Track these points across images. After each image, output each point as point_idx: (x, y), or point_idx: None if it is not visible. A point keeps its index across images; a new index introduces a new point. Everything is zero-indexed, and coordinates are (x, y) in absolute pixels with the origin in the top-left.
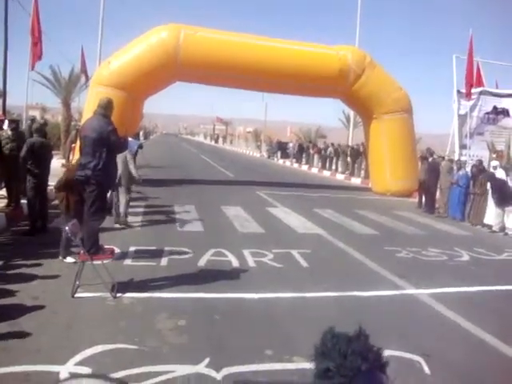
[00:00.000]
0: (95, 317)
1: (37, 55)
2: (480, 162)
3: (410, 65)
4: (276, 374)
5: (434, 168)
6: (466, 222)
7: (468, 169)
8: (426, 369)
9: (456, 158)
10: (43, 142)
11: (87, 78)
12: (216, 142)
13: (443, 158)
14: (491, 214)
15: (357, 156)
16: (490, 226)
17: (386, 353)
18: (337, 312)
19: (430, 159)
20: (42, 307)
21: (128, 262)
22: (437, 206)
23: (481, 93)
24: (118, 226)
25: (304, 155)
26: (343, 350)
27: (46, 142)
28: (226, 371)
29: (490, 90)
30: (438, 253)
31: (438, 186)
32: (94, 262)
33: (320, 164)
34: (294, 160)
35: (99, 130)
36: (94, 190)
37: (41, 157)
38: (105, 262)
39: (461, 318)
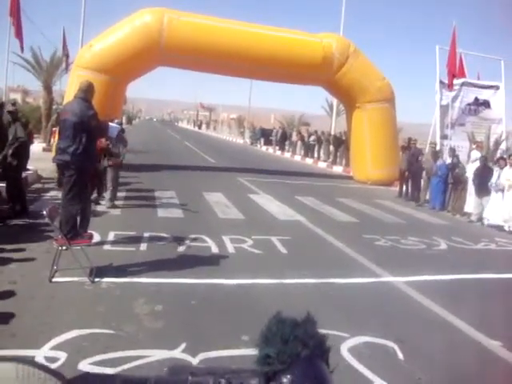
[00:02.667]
0: (72, 301)
1: (16, 36)
2: (456, 156)
3: (393, 54)
4: (251, 359)
5: (417, 157)
6: (446, 211)
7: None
8: (400, 354)
9: (438, 148)
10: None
11: (68, 61)
12: (199, 128)
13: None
14: (471, 203)
15: (339, 144)
16: (470, 215)
17: (362, 339)
18: (314, 298)
19: (430, 149)
20: (19, 292)
21: (107, 246)
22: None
23: (463, 84)
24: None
25: (287, 142)
26: (286, 335)
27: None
28: (202, 356)
29: (472, 81)
30: (417, 241)
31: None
32: (73, 247)
33: (303, 152)
34: (277, 147)
35: (79, 114)
36: (72, 175)
37: None
38: (83, 246)
39: (436, 305)
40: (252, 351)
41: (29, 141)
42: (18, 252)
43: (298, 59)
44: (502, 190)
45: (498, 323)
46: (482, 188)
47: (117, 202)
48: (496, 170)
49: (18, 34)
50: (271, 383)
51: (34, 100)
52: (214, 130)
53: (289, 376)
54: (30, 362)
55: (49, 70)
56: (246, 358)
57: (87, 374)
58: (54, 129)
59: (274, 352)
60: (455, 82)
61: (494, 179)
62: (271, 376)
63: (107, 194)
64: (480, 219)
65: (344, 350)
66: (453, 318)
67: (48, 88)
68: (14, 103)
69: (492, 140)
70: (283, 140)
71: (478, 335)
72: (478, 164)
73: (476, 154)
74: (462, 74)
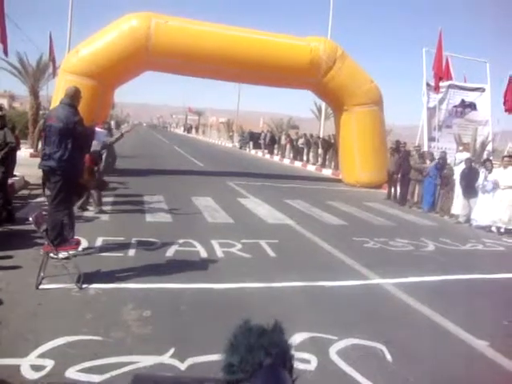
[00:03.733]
0: (60, 308)
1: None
2: (444, 157)
3: (381, 56)
4: None
5: (406, 160)
6: (434, 212)
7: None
8: (388, 356)
9: (426, 149)
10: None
11: (54, 66)
12: (188, 132)
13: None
14: (459, 204)
15: (328, 147)
16: (457, 217)
17: (350, 341)
18: (303, 302)
19: (401, 152)
20: (5, 299)
21: (95, 252)
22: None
23: (449, 86)
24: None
25: (276, 146)
26: (251, 344)
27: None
28: (190, 361)
29: (459, 83)
30: (405, 243)
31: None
32: (61, 254)
33: (292, 155)
34: (266, 151)
35: (65, 121)
36: (58, 181)
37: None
38: (70, 252)
39: (424, 306)
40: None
41: (16, 146)
42: (4, 259)
43: (285, 63)
44: (489, 191)
45: (485, 323)
46: (469, 189)
47: (105, 208)
48: (482, 172)
49: (3, 38)
50: None
51: (21, 105)
52: (202, 134)
53: None
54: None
55: (35, 75)
56: None
57: None
58: (42, 133)
59: (237, 360)
60: (442, 84)
61: (480, 180)
62: None
63: (93, 200)
64: (468, 220)
65: (332, 352)
66: (441, 318)
67: (34, 93)
68: (0, 108)
69: (478, 142)
70: (272, 143)
71: (465, 335)
72: (463, 166)
73: (461, 156)
74: (449, 77)
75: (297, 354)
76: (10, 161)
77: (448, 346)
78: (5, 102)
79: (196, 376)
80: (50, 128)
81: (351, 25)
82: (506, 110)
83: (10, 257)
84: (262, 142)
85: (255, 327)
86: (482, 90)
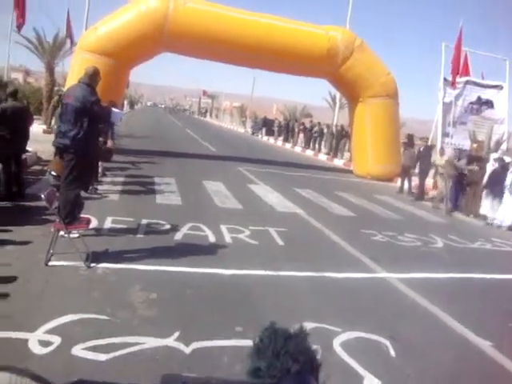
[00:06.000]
0: (68, 286)
1: (20, 17)
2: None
3: (400, 48)
4: (243, 350)
5: (428, 154)
6: (452, 211)
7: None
8: (392, 351)
9: (438, 145)
10: (17, 107)
11: (72, 43)
12: (204, 116)
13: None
14: (487, 205)
15: (342, 137)
16: (484, 217)
17: (354, 334)
18: (308, 292)
19: (422, 147)
20: (15, 273)
21: (104, 232)
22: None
23: (466, 82)
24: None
25: (289, 133)
26: (278, 349)
27: (20, 106)
28: (195, 345)
29: (476, 80)
30: (413, 238)
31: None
32: (70, 232)
33: (304, 143)
34: (279, 138)
35: (82, 100)
36: (71, 160)
37: (14, 122)
38: (80, 231)
39: (429, 303)
40: (244, 342)
41: (29, 122)
42: (13, 234)
43: (303, 50)
44: None
45: (488, 323)
46: (497, 189)
47: (115, 187)
48: (510, 172)
49: (22, 14)
50: None
51: (36, 81)
52: (215, 118)
53: None
54: (25, 373)
55: (52, 51)
56: (238, 350)
57: (78, 381)
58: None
59: (264, 365)
60: (459, 80)
61: (508, 181)
62: None
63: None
64: (484, 218)
65: (336, 344)
66: (446, 316)
67: (50, 69)
68: (6, 84)
69: (493, 140)
70: (286, 131)
71: (469, 334)
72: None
73: (496, 156)
74: (466, 73)
75: None
76: (21, 136)
77: (452, 344)
78: (19, 77)
79: (224, 378)
80: (67, 106)
81: (369, 16)
82: None
83: (19, 232)
84: (275, 129)
85: (280, 331)
86: (499, 87)
